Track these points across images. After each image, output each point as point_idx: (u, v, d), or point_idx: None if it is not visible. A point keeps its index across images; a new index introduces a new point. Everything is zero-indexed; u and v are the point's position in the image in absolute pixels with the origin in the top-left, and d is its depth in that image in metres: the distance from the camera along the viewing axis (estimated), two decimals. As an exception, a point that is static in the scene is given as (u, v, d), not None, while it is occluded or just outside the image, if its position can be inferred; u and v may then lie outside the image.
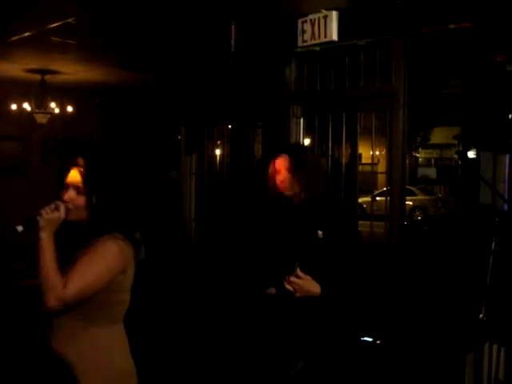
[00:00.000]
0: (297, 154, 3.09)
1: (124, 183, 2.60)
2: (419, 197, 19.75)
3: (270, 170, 3.08)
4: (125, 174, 2.63)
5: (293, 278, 2.89)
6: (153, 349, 5.26)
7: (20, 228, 2.43)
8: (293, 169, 3.00)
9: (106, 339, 2.53)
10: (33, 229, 2.41)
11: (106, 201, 2.51)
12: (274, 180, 3.04)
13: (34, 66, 8.67)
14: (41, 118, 9.81)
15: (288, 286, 2.90)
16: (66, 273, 2.36)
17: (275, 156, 3.09)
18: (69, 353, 2.44)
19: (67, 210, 2.50)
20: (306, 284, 2.90)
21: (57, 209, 2.46)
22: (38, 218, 2.40)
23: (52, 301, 2.30)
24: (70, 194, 2.51)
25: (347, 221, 3.14)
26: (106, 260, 2.43)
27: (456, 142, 19.56)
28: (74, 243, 2.50)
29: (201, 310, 5.93)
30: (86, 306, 2.45)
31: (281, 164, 3.04)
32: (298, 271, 2.89)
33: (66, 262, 2.43)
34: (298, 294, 2.90)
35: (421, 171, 23.82)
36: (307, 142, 5.91)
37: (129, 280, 2.58)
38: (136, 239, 2.62)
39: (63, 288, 2.31)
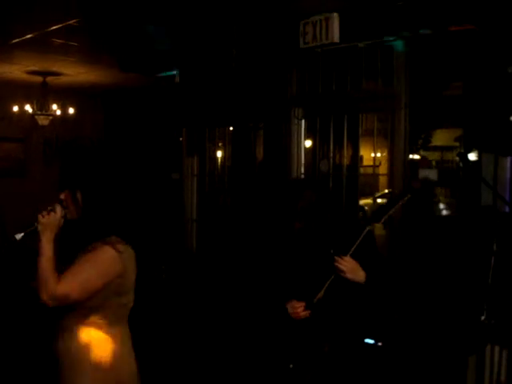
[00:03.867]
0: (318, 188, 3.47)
1: (115, 183, 2.64)
2: (420, 199, 19.72)
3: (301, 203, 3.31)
4: (117, 174, 2.66)
5: (347, 258, 3.08)
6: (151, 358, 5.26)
7: (19, 236, 2.52)
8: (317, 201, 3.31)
9: (106, 340, 2.57)
10: (33, 234, 2.51)
11: (93, 198, 2.57)
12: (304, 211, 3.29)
13: (35, 67, 8.68)
14: (42, 120, 9.82)
15: (340, 266, 3.08)
16: (63, 272, 2.46)
17: (302, 191, 3.35)
18: (62, 350, 2.55)
19: (64, 209, 2.59)
20: (356, 267, 3.10)
21: (53, 210, 2.54)
22: (36, 223, 2.50)
23: (44, 296, 2.42)
24: (64, 193, 2.61)
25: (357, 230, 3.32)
26: (102, 265, 2.50)
27: (458, 144, 19.52)
28: (73, 243, 2.55)
29: (200, 311, 5.93)
30: (88, 308, 2.53)
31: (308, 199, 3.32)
32: (348, 257, 3.09)
33: (66, 260, 2.52)
34: (348, 275, 3.09)
35: (422, 173, 23.79)
36: (308, 143, 5.91)
37: (128, 283, 2.63)
38: (137, 240, 2.64)
39: (55, 285, 2.42)
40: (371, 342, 3.99)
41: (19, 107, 9.84)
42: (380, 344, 4.06)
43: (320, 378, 3.20)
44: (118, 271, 2.52)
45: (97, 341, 2.54)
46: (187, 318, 5.94)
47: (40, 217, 2.50)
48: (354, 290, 3.13)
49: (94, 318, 2.55)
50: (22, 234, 2.52)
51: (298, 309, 3.18)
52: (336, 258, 3.08)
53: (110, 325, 2.58)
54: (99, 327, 2.55)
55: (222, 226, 6.71)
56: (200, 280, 6.38)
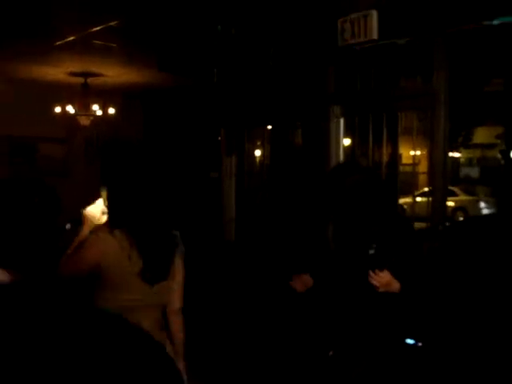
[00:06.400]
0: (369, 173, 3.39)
1: (140, 181, 2.72)
2: (461, 197, 19.41)
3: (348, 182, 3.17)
4: (146, 173, 2.76)
5: (382, 274, 3.01)
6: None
7: (68, 226, 2.92)
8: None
9: None
10: (79, 224, 2.80)
11: (113, 194, 2.73)
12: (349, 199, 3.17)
13: (76, 69, 8.83)
14: (84, 120, 9.98)
15: (372, 281, 3.01)
16: None
17: (351, 173, 3.20)
18: None
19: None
20: (391, 281, 3.04)
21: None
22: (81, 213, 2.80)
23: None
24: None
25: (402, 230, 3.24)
26: (83, 247, 2.66)
27: (499, 141, 19.17)
28: None
29: (239, 309, 5.95)
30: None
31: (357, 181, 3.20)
32: (378, 271, 3.01)
33: None
34: (381, 289, 3.03)
35: (463, 171, 23.43)
36: (347, 142, 5.89)
37: (116, 276, 2.62)
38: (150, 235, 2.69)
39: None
40: (411, 342, 3.95)
41: (61, 108, 10.01)
42: (420, 344, 4.01)
43: (362, 376, 3.19)
44: (94, 257, 2.60)
45: None
46: (226, 315, 5.97)
47: (84, 210, 2.80)
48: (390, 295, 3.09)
49: None
50: (69, 225, 2.89)
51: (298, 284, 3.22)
52: (370, 273, 3.00)
53: None
54: None
55: (260, 224, 6.73)
56: (238, 279, 6.41)
